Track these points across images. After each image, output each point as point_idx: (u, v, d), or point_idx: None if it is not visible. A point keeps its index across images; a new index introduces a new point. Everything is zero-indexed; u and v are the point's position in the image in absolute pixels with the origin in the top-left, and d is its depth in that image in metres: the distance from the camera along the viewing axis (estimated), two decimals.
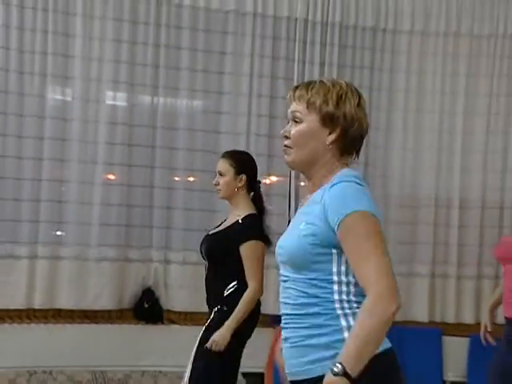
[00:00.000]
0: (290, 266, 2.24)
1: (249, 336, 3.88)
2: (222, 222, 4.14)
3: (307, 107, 2.22)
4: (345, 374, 2.03)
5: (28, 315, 5.83)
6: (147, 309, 5.78)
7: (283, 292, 2.29)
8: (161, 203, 5.81)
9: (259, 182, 4.13)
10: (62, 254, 5.79)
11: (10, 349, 5.53)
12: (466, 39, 6.43)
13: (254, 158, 4.36)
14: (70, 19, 5.78)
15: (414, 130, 6.39)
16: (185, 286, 5.76)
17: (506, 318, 4.18)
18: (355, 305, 2.22)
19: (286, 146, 2.26)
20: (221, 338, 3.86)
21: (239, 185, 4.02)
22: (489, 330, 4.39)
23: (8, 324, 5.71)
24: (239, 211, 3.95)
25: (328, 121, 2.23)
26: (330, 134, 2.23)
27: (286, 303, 2.27)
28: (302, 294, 2.23)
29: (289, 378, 2.34)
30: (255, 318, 3.92)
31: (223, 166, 4.07)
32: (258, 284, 3.85)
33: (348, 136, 2.26)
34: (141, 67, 5.89)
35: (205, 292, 4.06)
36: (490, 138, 6.42)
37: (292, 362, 2.27)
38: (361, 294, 2.18)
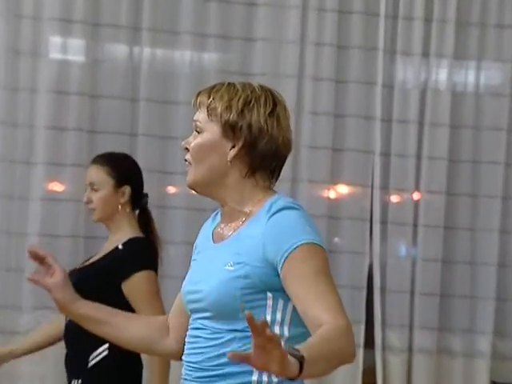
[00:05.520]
0: (209, 315, 2.27)
1: None
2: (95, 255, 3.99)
3: (208, 115, 2.29)
4: (300, 366, 1.96)
5: None
6: None
7: (193, 343, 2.30)
8: None
9: (146, 196, 3.86)
10: None
11: None
12: None
13: None
14: None
15: None
16: None
17: None
18: None
19: (186, 160, 2.34)
20: None
21: (121, 200, 3.77)
22: None
23: None
24: (120, 235, 3.68)
25: (230, 131, 2.29)
26: (232, 147, 2.29)
27: (196, 353, 2.27)
28: (221, 349, 2.23)
29: None
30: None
31: (97, 175, 3.79)
32: None
33: (256, 151, 2.29)
34: None
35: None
36: None
37: None
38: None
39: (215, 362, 2.21)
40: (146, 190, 4.07)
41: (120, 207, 3.74)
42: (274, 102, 2.29)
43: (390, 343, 4.83)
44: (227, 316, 2.22)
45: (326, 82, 4.84)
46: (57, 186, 4.57)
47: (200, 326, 2.26)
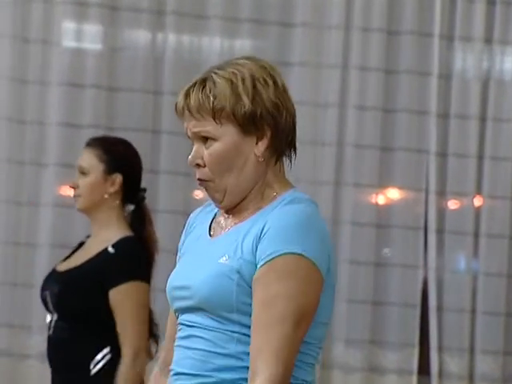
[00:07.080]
0: (202, 313, 2.16)
1: None
2: (75, 251, 3.79)
3: (216, 119, 2.11)
4: None
5: None
6: None
7: (186, 341, 2.17)
8: None
9: (143, 191, 3.75)
10: None
11: None
12: None
13: None
14: None
15: None
16: None
17: None
18: None
19: (201, 180, 2.13)
20: None
21: (110, 190, 3.70)
22: None
23: None
24: (108, 233, 3.63)
25: (250, 126, 2.15)
26: (258, 141, 2.16)
27: (189, 356, 2.16)
28: (217, 350, 2.13)
29: None
30: None
31: (87, 158, 3.77)
32: (135, 349, 3.54)
33: (279, 133, 2.17)
34: None
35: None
36: None
37: None
38: (302, 359, 2.13)
39: (208, 367, 2.11)
40: (170, 194, 4.06)
41: (107, 197, 3.60)
42: (270, 73, 2.18)
43: (448, 370, 4.77)
44: (219, 316, 2.11)
45: (373, 73, 4.77)
46: (70, 191, 4.29)
47: (190, 323, 2.16)
